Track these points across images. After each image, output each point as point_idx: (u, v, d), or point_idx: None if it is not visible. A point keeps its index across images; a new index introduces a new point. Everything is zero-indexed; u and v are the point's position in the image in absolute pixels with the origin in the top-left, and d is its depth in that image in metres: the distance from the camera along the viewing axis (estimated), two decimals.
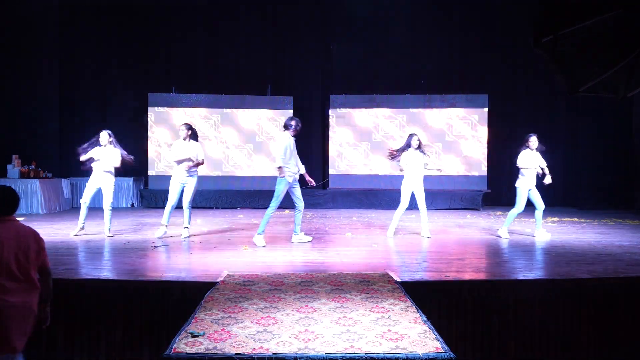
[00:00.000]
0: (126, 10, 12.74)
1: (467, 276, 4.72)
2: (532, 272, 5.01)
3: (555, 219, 9.84)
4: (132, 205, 12.03)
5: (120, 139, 12.88)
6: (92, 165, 7.18)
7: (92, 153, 7.16)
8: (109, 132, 7.30)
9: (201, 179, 12.08)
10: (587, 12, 3.55)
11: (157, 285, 4.39)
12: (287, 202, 10.37)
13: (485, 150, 12.24)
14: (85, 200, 7.23)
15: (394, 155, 7.50)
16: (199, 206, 11.81)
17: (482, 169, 12.17)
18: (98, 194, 7.38)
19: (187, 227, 7.15)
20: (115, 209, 11.49)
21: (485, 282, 4.56)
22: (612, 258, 5.67)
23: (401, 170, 7.37)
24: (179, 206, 7.11)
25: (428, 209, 11.47)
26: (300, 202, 6.70)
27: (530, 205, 7.35)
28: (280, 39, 13.02)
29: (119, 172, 12.36)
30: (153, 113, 12.14)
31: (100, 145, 7.19)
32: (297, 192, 6.69)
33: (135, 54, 12.79)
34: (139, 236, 7.30)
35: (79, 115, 12.52)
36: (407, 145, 7.33)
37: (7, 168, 10.35)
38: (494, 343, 4.44)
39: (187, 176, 7.08)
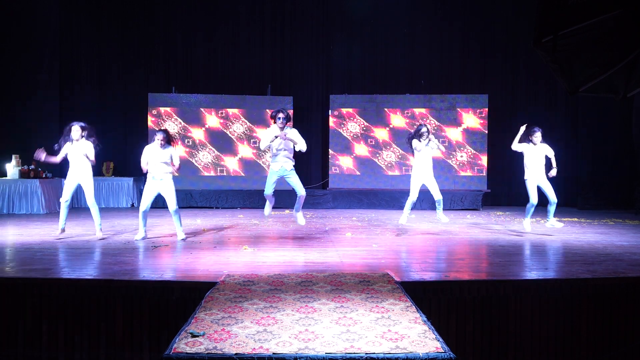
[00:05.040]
0: (126, 10, 12.75)
1: (467, 276, 4.71)
2: (532, 272, 5.01)
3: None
4: (132, 205, 12.02)
5: (121, 139, 12.93)
6: (69, 159, 6.85)
7: (66, 149, 6.83)
8: (82, 124, 6.89)
9: (201, 179, 12.20)
10: (587, 12, 3.55)
11: (157, 285, 4.39)
12: (287, 202, 10.40)
13: (485, 151, 12.24)
14: (65, 199, 6.81)
15: (411, 138, 7.37)
16: (199, 206, 11.83)
17: (482, 169, 12.16)
18: (80, 192, 7.22)
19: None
20: (115, 209, 11.56)
21: (485, 282, 4.55)
22: (612, 258, 5.66)
23: (417, 150, 7.22)
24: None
25: (428, 210, 11.60)
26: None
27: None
28: (280, 39, 13.03)
29: (120, 172, 12.51)
30: (153, 113, 12.13)
31: (71, 140, 6.80)
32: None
33: (135, 54, 12.79)
34: None
35: (79, 116, 12.47)
36: (419, 135, 7.27)
37: (7, 168, 10.34)
38: (494, 343, 4.44)
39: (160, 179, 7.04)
